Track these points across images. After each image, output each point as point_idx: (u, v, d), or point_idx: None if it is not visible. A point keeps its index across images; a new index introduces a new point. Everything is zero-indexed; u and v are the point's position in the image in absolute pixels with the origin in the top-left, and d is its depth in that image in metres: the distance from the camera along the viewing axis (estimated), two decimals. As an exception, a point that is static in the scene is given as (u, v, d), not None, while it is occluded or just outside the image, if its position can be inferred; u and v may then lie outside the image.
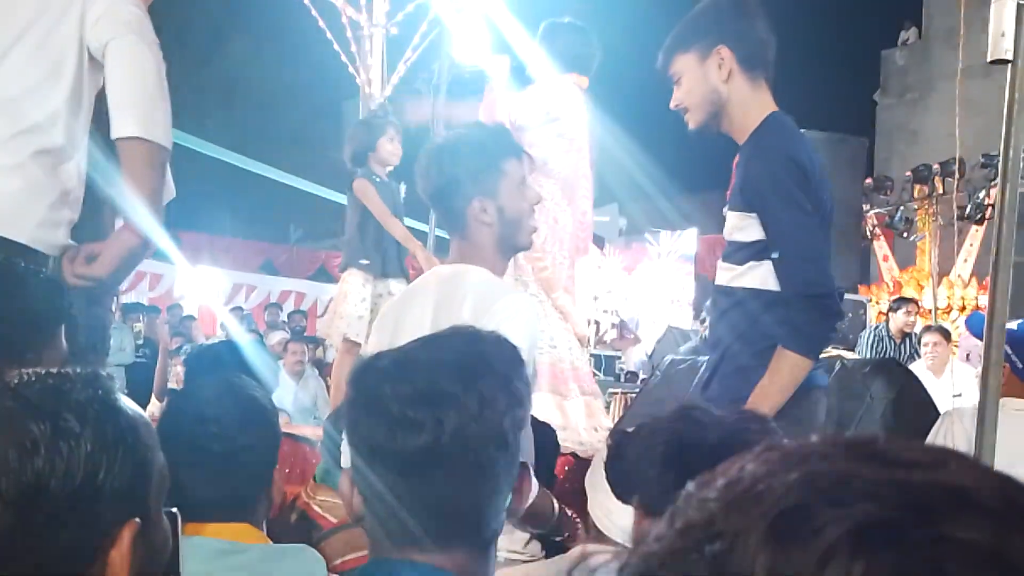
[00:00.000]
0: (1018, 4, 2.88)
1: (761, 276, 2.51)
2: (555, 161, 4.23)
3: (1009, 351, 2.86)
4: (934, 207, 11.97)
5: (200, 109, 17.32)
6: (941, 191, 11.72)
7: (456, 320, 2.38)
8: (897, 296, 10.24)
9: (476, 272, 2.50)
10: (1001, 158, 2.83)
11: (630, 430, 2.36)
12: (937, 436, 3.19)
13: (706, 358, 2.89)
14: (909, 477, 0.47)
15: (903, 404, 3.35)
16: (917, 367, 7.60)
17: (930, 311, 12.03)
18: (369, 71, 6.13)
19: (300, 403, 8.31)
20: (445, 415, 1.22)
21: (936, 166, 11.51)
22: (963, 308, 12.21)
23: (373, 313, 5.16)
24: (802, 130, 2.76)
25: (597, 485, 2.33)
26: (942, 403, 6.74)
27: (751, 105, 2.61)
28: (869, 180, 12.88)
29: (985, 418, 2.64)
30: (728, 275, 2.60)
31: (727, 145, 2.74)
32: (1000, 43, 2.90)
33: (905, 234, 11.72)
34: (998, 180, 2.87)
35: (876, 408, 3.28)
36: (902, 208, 11.94)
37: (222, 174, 14.49)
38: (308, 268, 17.79)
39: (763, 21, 2.65)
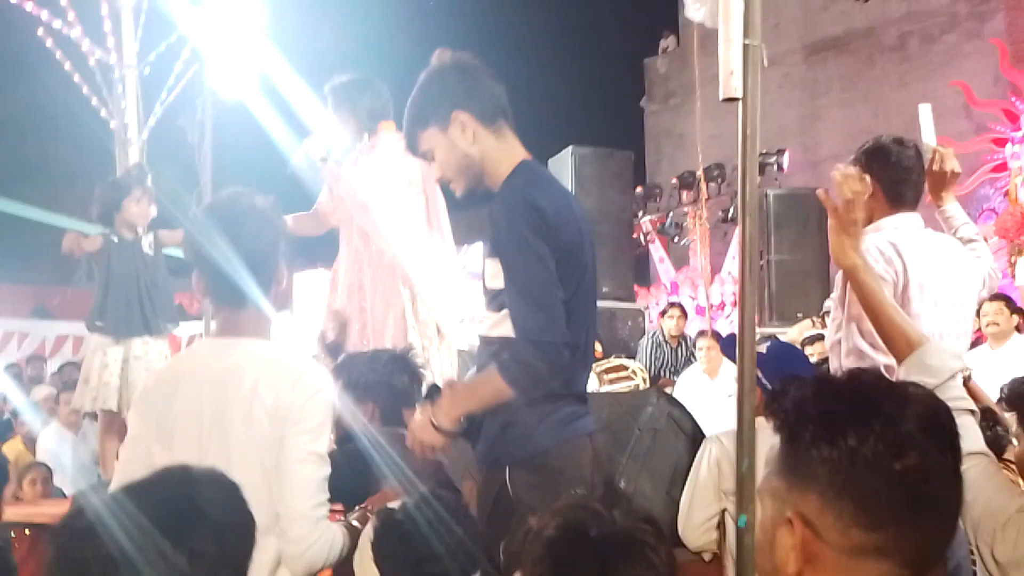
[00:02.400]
0: (744, 44, 3.03)
1: (509, 326, 2.54)
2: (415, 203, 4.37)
3: (760, 375, 3.00)
4: (700, 211, 12.59)
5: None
6: (707, 196, 12.35)
7: (249, 403, 2.27)
8: (667, 303, 10.68)
9: (262, 347, 2.39)
10: (739, 193, 2.97)
11: (395, 508, 2.34)
12: (701, 460, 3.34)
13: None
14: None
15: (669, 433, 3.47)
16: (693, 370, 7.97)
17: (705, 308, 12.62)
18: (124, 115, 5.84)
19: (80, 460, 7.86)
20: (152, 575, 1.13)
21: (700, 172, 12.10)
22: (735, 303, 12.86)
23: (123, 378, 5.04)
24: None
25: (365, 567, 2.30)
26: (718, 403, 7.09)
27: (500, 157, 2.65)
28: (639, 188, 13.41)
29: (744, 442, 2.76)
30: (487, 324, 2.62)
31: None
32: (730, 81, 3.04)
33: (676, 238, 12.27)
34: (738, 215, 3.01)
35: (644, 440, 3.38)
36: (672, 214, 12.49)
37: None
38: (85, 310, 16.80)
39: (487, 76, 2.69)
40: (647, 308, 11.94)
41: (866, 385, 1.27)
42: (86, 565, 1.12)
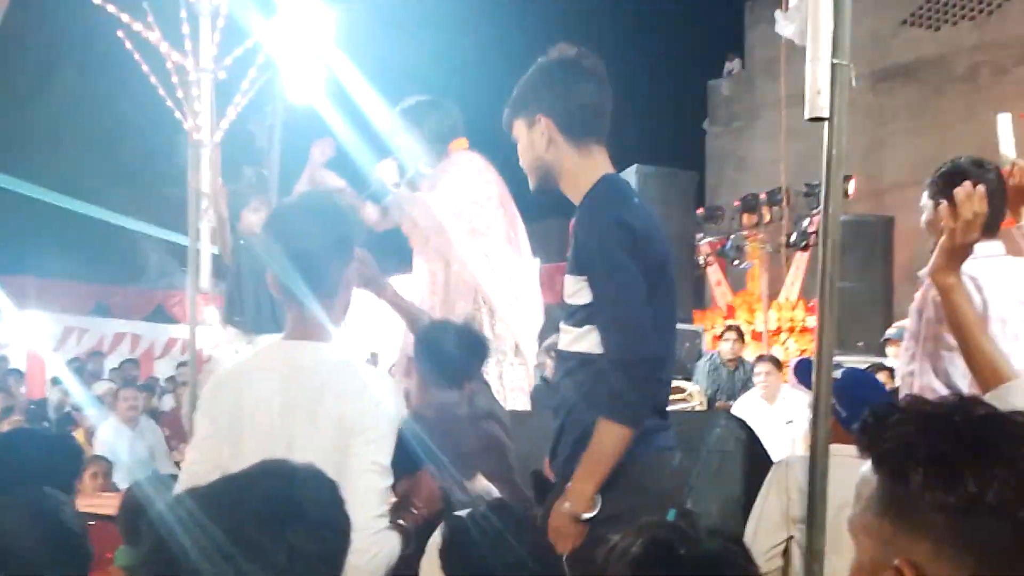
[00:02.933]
0: (832, 63, 2.99)
1: (595, 341, 2.51)
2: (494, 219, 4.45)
3: (834, 402, 2.94)
4: (762, 234, 12.47)
5: (25, 149, 16.50)
6: (768, 219, 12.22)
7: (315, 408, 2.25)
8: (724, 326, 10.58)
9: (329, 351, 2.36)
10: (822, 215, 2.92)
11: (464, 516, 2.32)
12: (770, 486, 3.27)
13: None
14: None
15: (737, 456, 3.42)
16: (751, 395, 7.87)
17: (762, 333, 12.49)
18: (197, 117, 5.91)
19: (136, 454, 7.98)
20: (249, 569, 1.11)
21: (763, 195, 12.00)
22: (792, 329, 12.71)
23: None
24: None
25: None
26: (775, 430, 7.00)
27: (580, 171, 2.63)
28: (701, 210, 13.32)
29: (817, 469, 2.71)
30: (567, 338, 2.60)
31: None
32: (817, 101, 3.00)
33: (736, 261, 12.17)
34: (820, 234, 2.96)
35: (712, 461, 3.33)
36: (733, 236, 12.39)
37: (49, 215, 13.83)
38: (144, 309, 17.03)
39: (590, 84, 2.65)
40: (705, 331, 11.84)
41: (982, 420, 1.17)
42: (184, 556, 1.11)
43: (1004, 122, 3.35)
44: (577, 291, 2.52)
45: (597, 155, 2.66)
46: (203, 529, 1.13)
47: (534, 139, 2.63)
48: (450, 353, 3.23)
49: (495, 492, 3.13)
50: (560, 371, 2.66)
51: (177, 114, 5.98)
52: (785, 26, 2.96)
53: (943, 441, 1.14)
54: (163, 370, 13.29)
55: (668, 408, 2.70)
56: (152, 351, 15.61)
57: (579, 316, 2.54)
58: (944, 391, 2.90)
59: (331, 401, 2.25)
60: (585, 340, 2.50)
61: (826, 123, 3.02)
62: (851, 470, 3.10)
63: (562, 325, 2.63)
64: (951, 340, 2.84)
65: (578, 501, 2.42)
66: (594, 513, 2.42)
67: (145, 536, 1.21)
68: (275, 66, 6.52)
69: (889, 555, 1.17)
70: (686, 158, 20.52)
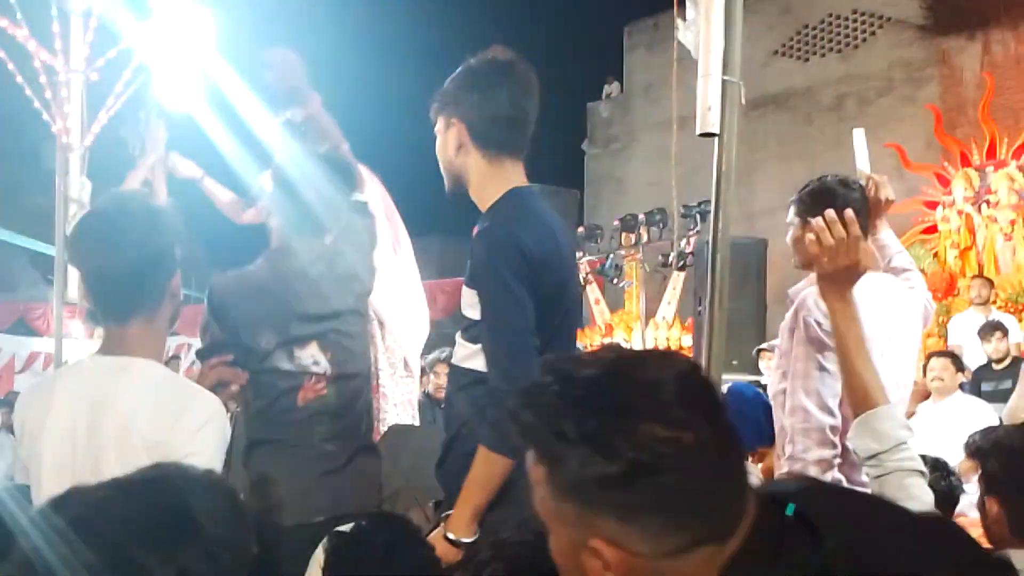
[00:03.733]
0: (723, 80, 3.02)
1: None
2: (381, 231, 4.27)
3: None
4: (640, 254, 12.66)
5: None
6: (646, 239, 12.42)
7: (125, 433, 2.06)
8: (603, 345, 10.69)
9: (145, 368, 2.17)
10: (712, 229, 2.94)
11: (348, 531, 2.24)
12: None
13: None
14: None
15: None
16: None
17: (639, 352, 12.66)
18: (67, 119, 5.65)
19: (-9, 473, 7.59)
20: None
21: (641, 216, 12.18)
22: (668, 348, 12.93)
23: None
24: None
25: None
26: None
27: (488, 181, 2.55)
28: (581, 229, 13.46)
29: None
30: (462, 353, 2.52)
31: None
32: (707, 117, 3.03)
33: (615, 280, 12.33)
34: (709, 246, 2.98)
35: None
36: (611, 256, 12.56)
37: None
38: (4, 321, 16.31)
39: (511, 95, 2.54)
40: (584, 349, 11.93)
41: (618, 382, 1.16)
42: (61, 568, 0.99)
43: (859, 137, 3.40)
44: (472, 304, 2.46)
45: (509, 168, 2.57)
46: (77, 549, 1.00)
47: (447, 141, 2.57)
48: None
49: None
50: (453, 385, 2.58)
51: (45, 116, 5.71)
52: (684, 34, 2.99)
53: (588, 416, 1.13)
54: (24, 385, 12.70)
55: None
56: (12, 365, 14.93)
57: (473, 332, 2.47)
58: (815, 410, 2.92)
59: (144, 425, 2.08)
60: (479, 358, 2.44)
61: (716, 139, 3.06)
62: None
63: (458, 337, 2.56)
64: (822, 360, 2.88)
65: (456, 526, 2.38)
66: (473, 539, 2.37)
67: (12, 557, 1.08)
68: (150, 71, 6.28)
69: (584, 535, 1.17)
70: (567, 178, 20.75)
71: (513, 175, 2.58)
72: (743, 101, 3.05)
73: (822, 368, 2.89)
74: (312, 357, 2.98)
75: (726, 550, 1.16)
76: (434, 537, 2.41)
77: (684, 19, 2.98)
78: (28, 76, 5.77)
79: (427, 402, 6.20)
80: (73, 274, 5.77)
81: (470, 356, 2.47)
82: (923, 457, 2.38)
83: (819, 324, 2.83)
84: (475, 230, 2.56)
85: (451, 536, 2.38)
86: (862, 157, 3.39)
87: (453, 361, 2.58)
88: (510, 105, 2.54)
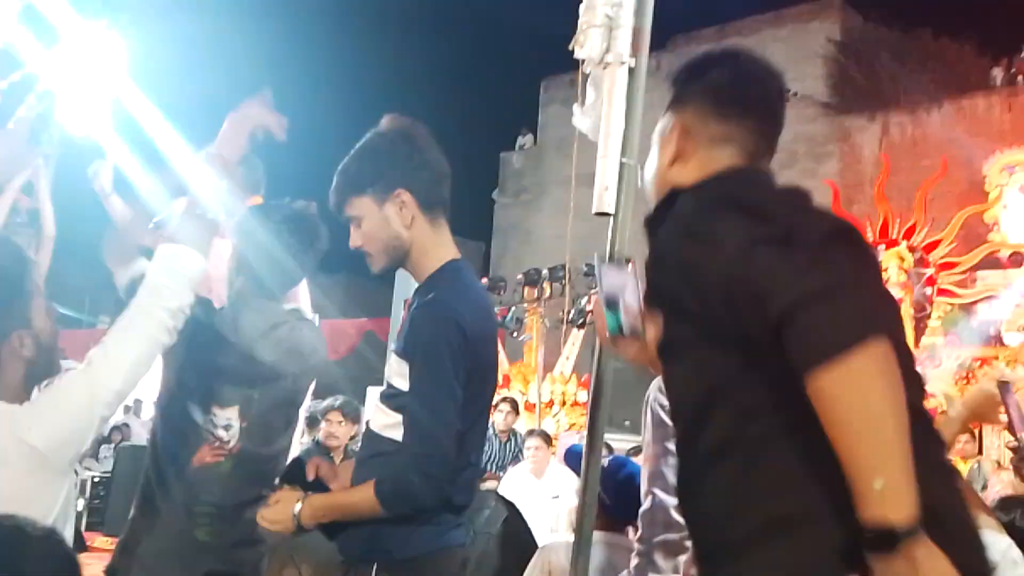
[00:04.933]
0: (621, 162, 3.08)
1: None
2: None
3: (599, 490, 2.99)
4: (542, 309, 12.76)
5: None
6: (548, 294, 12.54)
7: None
8: (500, 397, 10.73)
9: None
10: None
11: None
12: (534, 570, 3.30)
13: None
14: None
15: (504, 538, 3.42)
16: (521, 468, 7.96)
17: (534, 405, 12.72)
18: (-39, 143, 5.48)
19: None
20: None
21: (545, 271, 12.30)
22: (564, 403, 13.02)
23: None
24: None
25: None
26: (543, 504, 7.10)
27: (430, 247, 2.53)
28: (485, 280, 13.52)
29: (579, 554, 2.73)
30: (383, 420, 2.45)
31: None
32: (604, 197, 3.08)
33: (515, 333, 12.39)
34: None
35: (479, 543, 3.32)
36: (514, 308, 12.64)
37: None
38: None
39: (435, 149, 2.55)
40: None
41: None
42: None
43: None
44: (401, 374, 2.41)
45: (445, 232, 2.57)
46: None
47: (389, 216, 2.48)
48: None
49: None
50: (369, 450, 2.50)
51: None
52: (581, 120, 3.04)
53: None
54: None
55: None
56: None
57: (398, 401, 2.42)
58: (660, 493, 2.92)
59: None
60: (399, 430, 2.40)
61: (611, 218, 3.11)
62: (611, 554, 3.16)
63: (379, 404, 2.52)
64: (668, 445, 2.89)
65: (307, 515, 2.41)
66: (307, 529, 2.42)
67: None
68: (53, 95, 6.14)
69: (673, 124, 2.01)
70: (475, 227, 20.85)
71: (448, 244, 2.57)
72: (640, 183, 3.11)
73: (667, 452, 2.91)
74: (227, 420, 2.83)
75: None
76: (279, 502, 2.44)
77: (582, 104, 3.03)
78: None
79: (316, 450, 6.11)
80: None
81: (392, 426, 2.43)
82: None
83: (663, 407, 2.88)
84: (410, 301, 2.54)
85: (300, 518, 2.40)
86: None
87: (372, 427, 2.52)
88: (442, 163, 2.55)
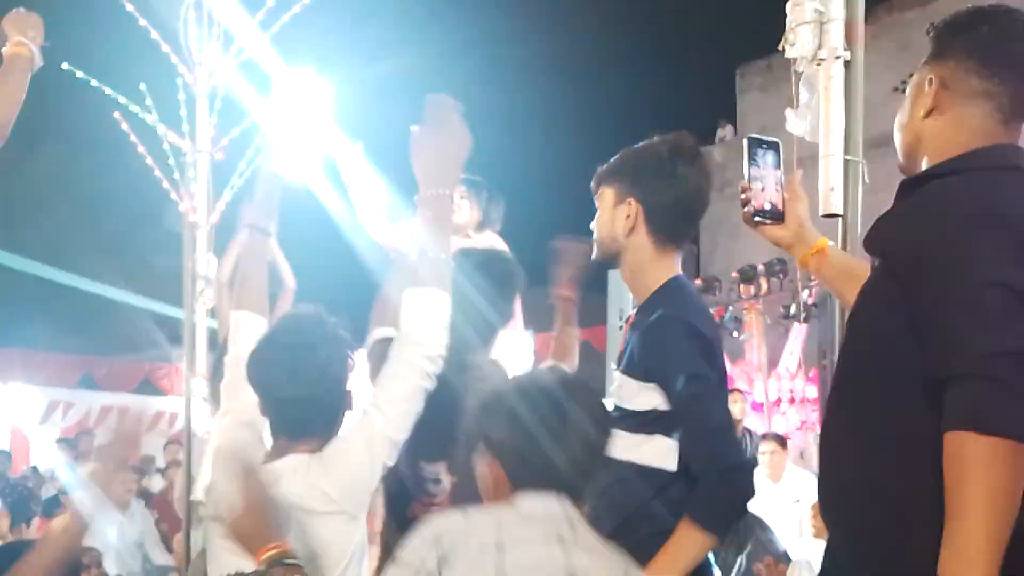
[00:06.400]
0: (845, 160, 2.95)
1: (656, 452, 2.38)
2: None
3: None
4: (760, 305, 12.37)
5: (7, 220, 16.49)
6: (766, 290, 12.14)
7: None
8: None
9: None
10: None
11: None
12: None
13: None
14: None
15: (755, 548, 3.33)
16: (757, 473, 7.73)
17: (762, 404, 12.37)
18: (193, 198, 5.86)
19: (126, 539, 7.73)
20: None
21: (761, 266, 11.91)
22: (792, 400, 12.58)
23: None
24: None
25: None
26: (783, 509, 6.86)
27: (651, 266, 2.51)
28: (699, 280, 13.23)
29: None
30: (623, 443, 2.34)
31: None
32: (830, 198, 2.96)
33: (735, 333, 12.08)
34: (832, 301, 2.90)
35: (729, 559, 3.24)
36: (731, 307, 12.32)
37: (33, 286, 13.76)
38: (131, 381, 16.84)
39: (690, 185, 2.51)
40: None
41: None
42: None
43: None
44: (638, 395, 2.39)
45: (673, 256, 2.54)
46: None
47: (616, 216, 2.52)
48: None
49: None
50: (607, 478, 2.38)
51: (173, 195, 5.94)
52: (796, 124, 2.92)
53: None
54: (150, 445, 13.08)
55: None
56: (141, 424, 15.42)
57: (634, 421, 2.39)
58: None
59: None
60: (643, 449, 2.38)
61: (839, 219, 2.98)
62: None
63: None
64: None
65: None
66: None
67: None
68: (270, 145, 6.47)
69: (926, 77, 1.99)
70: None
71: (673, 264, 2.53)
72: (866, 180, 2.96)
73: None
74: (436, 474, 2.80)
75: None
76: None
77: (796, 107, 2.91)
78: (157, 157, 6.01)
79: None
80: (202, 345, 5.94)
81: (634, 447, 2.39)
82: None
83: None
84: (632, 318, 2.54)
85: None
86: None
87: (611, 454, 2.47)
88: (693, 196, 2.53)
